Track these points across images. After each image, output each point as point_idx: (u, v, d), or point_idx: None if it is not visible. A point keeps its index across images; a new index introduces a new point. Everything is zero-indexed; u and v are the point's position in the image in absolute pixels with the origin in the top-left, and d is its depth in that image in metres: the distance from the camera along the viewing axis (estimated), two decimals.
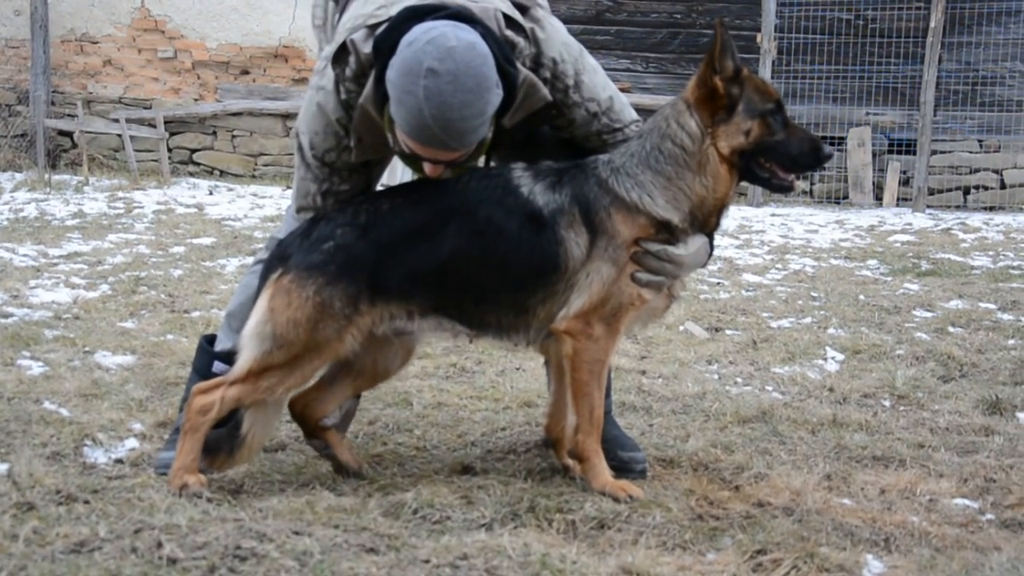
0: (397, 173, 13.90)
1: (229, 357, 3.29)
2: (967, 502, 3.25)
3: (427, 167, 3.05)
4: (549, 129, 3.42)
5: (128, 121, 13.25)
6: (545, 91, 3.13)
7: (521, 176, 3.17)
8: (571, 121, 3.29)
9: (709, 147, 3.15)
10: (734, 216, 10.53)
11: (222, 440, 3.17)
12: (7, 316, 5.48)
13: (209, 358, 3.52)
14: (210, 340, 3.59)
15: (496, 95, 2.95)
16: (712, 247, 3.29)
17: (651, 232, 3.13)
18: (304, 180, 3.25)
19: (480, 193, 3.14)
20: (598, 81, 3.29)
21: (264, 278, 3.16)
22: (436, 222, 3.11)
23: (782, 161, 3.21)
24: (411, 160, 3.06)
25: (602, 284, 3.10)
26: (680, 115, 3.18)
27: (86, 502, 2.92)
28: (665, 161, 3.15)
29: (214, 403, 3.09)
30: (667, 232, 3.14)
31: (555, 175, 3.17)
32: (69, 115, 13.76)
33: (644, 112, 3.45)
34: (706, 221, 3.22)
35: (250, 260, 6.07)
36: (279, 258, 3.16)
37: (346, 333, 3.08)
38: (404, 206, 3.15)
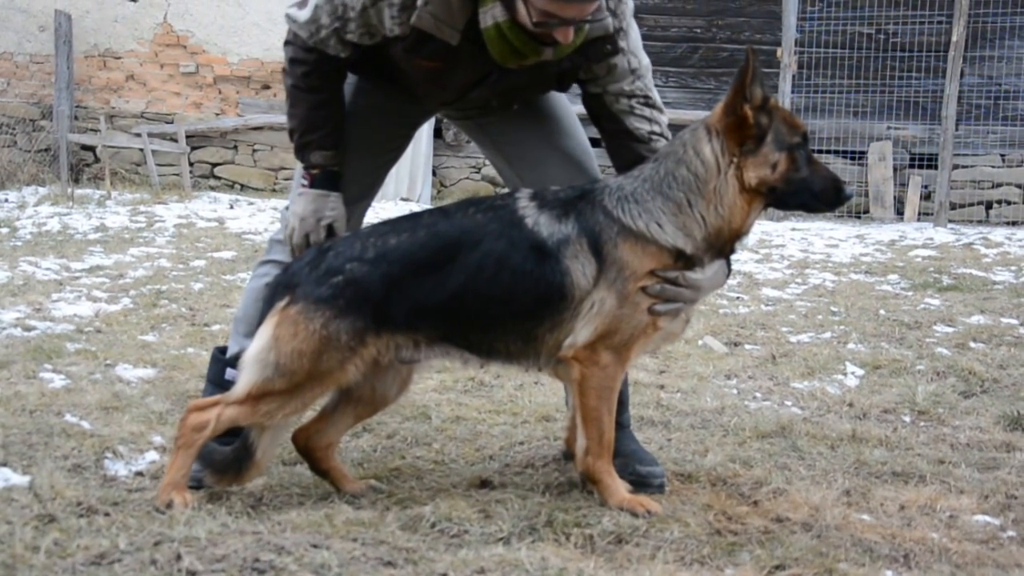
0: (418, 184, 13.91)
1: (239, 361, 3.30)
2: (988, 519, 3.22)
3: (559, 34, 3.09)
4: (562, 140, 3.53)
5: (150, 136, 13.36)
6: (609, 20, 3.23)
7: (526, 207, 3.15)
8: (611, 68, 3.34)
9: (731, 176, 3.10)
10: (754, 230, 10.47)
11: (230, 460, 3.17)
12: (30, 329, 5.52)
13: (222, 367, 3.55)
14: (222, 351, 3.62)
15: None
16: (729, 268, 3.28)
17: (666, 262, 3.10)
18: (319, 9, 3.25)
19: (485, 226, 3.13)
20: (640, 45, 3.41)
21: (270, 304, 3.16)
22: (442, 256, 3.10)
23: (803, 198, 3.18)
24: (528, 43, 3.12)
25: (606, 315, 3.07)
26: (698, 142, 3.14)
27: (107, 514, 2.93)
28: (677, 188, 3.11)
29: (209, 421, 3.08)
30: (683, 260, 3.12)
31: (561, 207, 3.14)
32: (92, 130, 13.88)
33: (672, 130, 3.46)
34: (722, 249, 3.19)
35: None
36: (286, 286, 3.14)
37: (349, 364, 3.08)
38: (410, 240, 3.14)
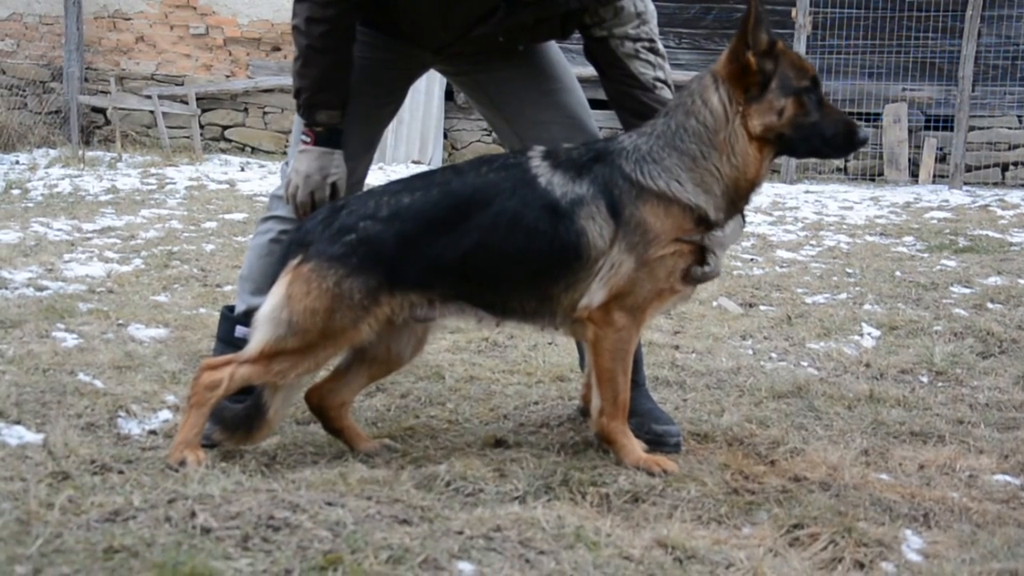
0: (429, 147, 13.83)
1: (247, 318, 3.29)
2: (1008, 478, 3.20)
3: None
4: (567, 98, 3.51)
5: (160, 98, 13.30)
6: None
7: (539, 166, 3.11)
8: (617, 11, 3.34)
9: (738, 125, 3.05)
10: (768, 193, 10.43)
11: (242, 418, 3.15)
12: (42, 289, 5.51)
13: (231, 324, 3.55)
14: (231, 309, 3.63)
15: None
16: (744, 221, 3.25)
17: (687, 225, 3.06)
18: None
19: (498, 184, 3.09)
20: None
21: (283, 262, 3.13)
22: (455, 214, 3.07)
23: (815, 144, 3.11)
24: None
25: (622, 278, 3.04)
26: (705, 90, 3.09)
27: (120, 472, 2.93)
28: (690, 140, 3.07)
29: (222, 380, 3.06)
30: (705, 224, 3.07)
31: (575, 168, 3.09)
32: (102, 92, 13.83)
33: (676, 90, 3.43)
34: (738, 203, 3.15)
35: None
36: (299, 243, 3.12)
37: (363, 323, 3.05)
38: (424, 198, 3.11)
